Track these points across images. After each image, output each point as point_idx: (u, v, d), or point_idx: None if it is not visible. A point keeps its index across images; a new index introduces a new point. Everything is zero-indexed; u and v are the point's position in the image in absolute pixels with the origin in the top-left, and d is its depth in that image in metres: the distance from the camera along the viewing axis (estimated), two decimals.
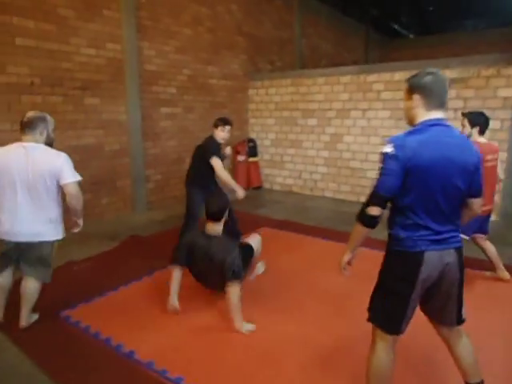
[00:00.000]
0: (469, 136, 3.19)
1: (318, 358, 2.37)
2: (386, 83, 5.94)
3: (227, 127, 3.80)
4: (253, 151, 7.47)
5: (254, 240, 3.30)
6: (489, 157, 3.14)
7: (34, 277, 2.59)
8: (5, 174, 2.45)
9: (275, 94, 7.27)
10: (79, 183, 2.61)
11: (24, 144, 2.48)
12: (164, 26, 5.86)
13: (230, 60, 7.14)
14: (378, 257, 1.91)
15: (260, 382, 2.15)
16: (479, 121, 3.22)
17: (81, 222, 2.73)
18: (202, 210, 3.20)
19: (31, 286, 2.59)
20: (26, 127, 2.49)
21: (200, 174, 3.79)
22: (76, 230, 2.74)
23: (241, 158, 7.33)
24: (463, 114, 3.35)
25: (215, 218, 2.81)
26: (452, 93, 5.34)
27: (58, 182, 2.52)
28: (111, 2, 5.07)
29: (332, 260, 4.02)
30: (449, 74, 5.35)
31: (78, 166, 4.75)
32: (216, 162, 3.63)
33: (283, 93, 7.15)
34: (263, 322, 2.72)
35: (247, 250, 3.09)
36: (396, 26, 12.57)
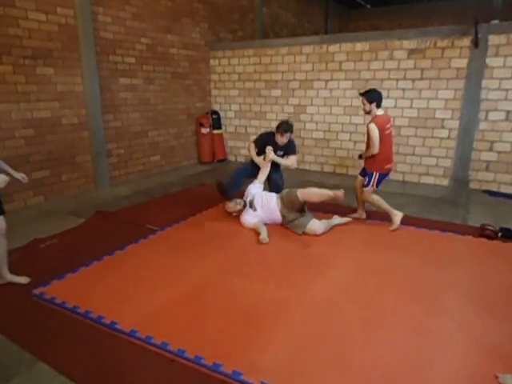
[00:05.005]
0: (369, 111, 3.68)
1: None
2: (348, 53, 6.02)
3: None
4: (217, 123, 7.38)
5: None
6: (387, 126, 3.67)
7: None
8: None
9: (238, 65, 7.16)
10: None
11: None
12: None
13: (190, 28, 6.88)
14: None
15: (243, 341, 2.26)
16: (374, 97, 3.64)
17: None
18: None
19: None
20: None
21: None
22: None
23: (205, 130, 7.23)
24: (360, 94, 3.76)
25: None
26: (410, 63, 5.55)
27: None
28: None
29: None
30: (407, 44, 5.53)
31: (33, 141, 4.59)
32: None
33: (246, 63, 7.05)
34: (240, 285, 2.83)
35: None
36: None
